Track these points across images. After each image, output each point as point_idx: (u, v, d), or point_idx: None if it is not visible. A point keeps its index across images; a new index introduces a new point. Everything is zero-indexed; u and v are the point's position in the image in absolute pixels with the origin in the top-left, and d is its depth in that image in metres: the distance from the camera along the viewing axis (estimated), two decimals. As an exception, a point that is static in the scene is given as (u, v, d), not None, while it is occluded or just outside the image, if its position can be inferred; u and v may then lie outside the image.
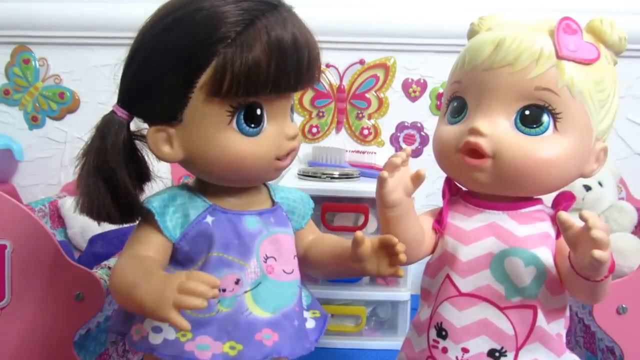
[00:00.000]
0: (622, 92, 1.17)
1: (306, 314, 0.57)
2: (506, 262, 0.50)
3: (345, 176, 0.92)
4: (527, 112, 0.48)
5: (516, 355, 0.50)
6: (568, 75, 0.46)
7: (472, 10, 1.05)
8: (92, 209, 0.50)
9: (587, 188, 0.96)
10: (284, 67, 0.47)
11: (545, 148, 0.47)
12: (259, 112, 0.49)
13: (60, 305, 0.62)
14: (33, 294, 0.61)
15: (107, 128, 0.50)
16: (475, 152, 0.49)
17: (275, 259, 0.54)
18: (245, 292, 0.51)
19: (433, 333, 0.53)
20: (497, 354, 0.50)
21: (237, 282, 0.51)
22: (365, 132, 1.12)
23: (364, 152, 1.07)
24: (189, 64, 0.46)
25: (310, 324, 0.57)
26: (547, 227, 0.52)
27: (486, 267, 0.51)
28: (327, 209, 0.87)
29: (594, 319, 0.64)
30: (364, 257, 0.51)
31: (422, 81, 1.11)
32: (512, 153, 0.48)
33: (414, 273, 0.90)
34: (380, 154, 1.09)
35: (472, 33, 0.55)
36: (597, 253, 0.41)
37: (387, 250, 0.51)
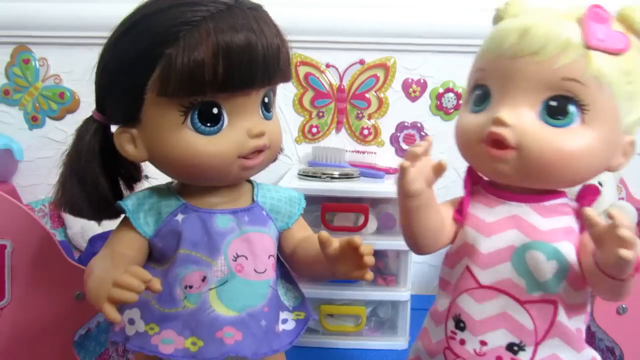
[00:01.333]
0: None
1: (287, 315, 0.57)
2: (527, 255, 0.49)
3: (345, 176, 0.92)
4: (552, 103, 0.46)
5: (535, 350, 0.49)
6: (596, 66, 0.45)
7: (472, 10, 1.05)
8: (65, 203, 0.53)
9: (587, 188, 0.96)
10: (232, 67, 0.47)
11: (572, 140, 0.46)
12: (215, 110, 0.49)
13: (60, 305, 0.62)
14: (33, 294, 0.61)
15: (84, 130, 0.53)
16: (499, 143, 0.47)
17: (247, 258, 0.54)
18: (210, 289, 0.52)
19: (451, 324, 0.53)
20: (515, 348, 0.50)
21: (203, 279, 0.52)
22: (365, 132, 1.12)
23: (364, 152, 1.07)
24: (138, 66, 0.48)
25: (289, 325, 0.57)
26: (571, 221, 0.51)
27: (507, 259, 0.50)
28: (327, 209, 0.87)
29: (594, 319, 0.64)
30: (332, 258, 0.51)
31: (422, 81, 1.10)
32: (537, 145, 0.46)
33: (414, 273, 0.91)
34: (380, 154, 1.09)
35: (497, 19, 0.53)
36: (623, 252, 0.40)
37: (353, 252, 0.50)
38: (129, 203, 0.54)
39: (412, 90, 1.11)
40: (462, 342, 0.52)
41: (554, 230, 0.50)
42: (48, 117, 1.13)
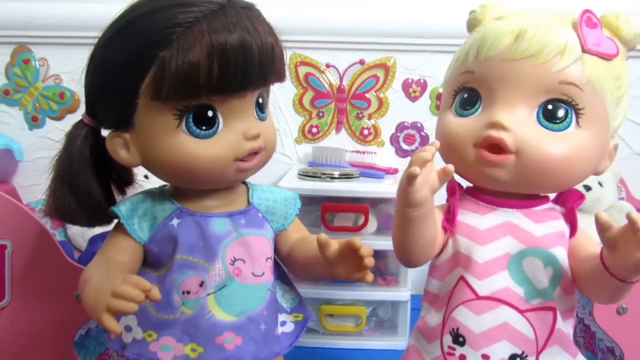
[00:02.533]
0: (622, 92, 1.16)
1: (286, 317, 0.57)
2: (525, 262, 0.49)
3: (345, 176, 0.92)
4: (550, 107, 0.46)
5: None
6: (592, 70, 0.45)
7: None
8: (57, 211, 0.52)
9: (587, 188, 0.96)
10: (227, 69, 0.46)
11: (569, 145, 0.46)
12: (210, 113, 0.48)
13: (60, 305, 0.62)
14: (33, 294, 0.61)
15: (74, 135, 0.52)
16: (497, 148, 0.47)
17: (244, 261, 0.53)
18: (208, 294, 0.51)
19: (448, 339, 0.50)
20: (518, 359, 0.48)
21: (201, 284, 0.51)
22: (365, 132, 1.12)
23: (364, 152, 1.07)
24: (130, 70, 0.47)
25: (288, 327, 0.56)
26: (562, 226, 0.50)
27: (504, 268, 0.49)
28: (327, 209, 0.87)
29: (594, 319, 0.64)
30: (331, 260, 0.50)
31: (422, 81, 1.10)
32: (535, 150, 0.46)
33: (414, 273, 0.90)
34: (380, 154, 1.09)
35: (475, 21, 0.53)
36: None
37: (353, 253, 0.49)
38: (122, 209, 0.53)
39: (412, 90, 1.11)
40: (462, 357, 0.49)
41: (548, 235, 0.49)
42: (48, 117, 1.13)
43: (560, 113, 0.46)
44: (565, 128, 0.46)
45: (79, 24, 1.05)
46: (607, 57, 0.46)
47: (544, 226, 0.50)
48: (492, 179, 0.49)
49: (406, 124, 1.12)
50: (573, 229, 0.50)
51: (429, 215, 0.48)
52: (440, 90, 1.10)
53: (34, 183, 1.13)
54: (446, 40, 1.06)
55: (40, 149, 1.13)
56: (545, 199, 0.52)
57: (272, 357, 0.53)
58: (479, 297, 0.49)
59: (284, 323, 0.56)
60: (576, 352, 0.50)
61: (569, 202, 0.51)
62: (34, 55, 1.11)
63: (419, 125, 1.12)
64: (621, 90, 0.47)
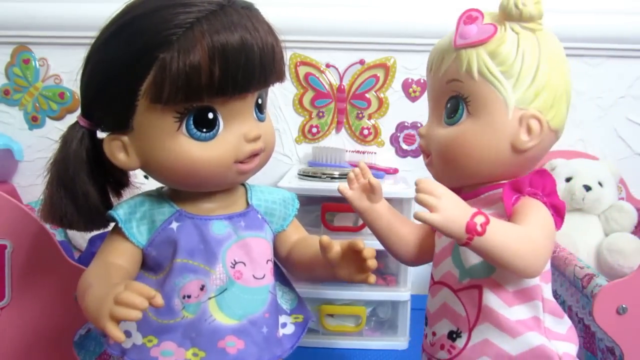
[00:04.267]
0: (622, 92, 1.18)
1: (286, 319, 0.56)
2: (459, 246, 0.51)
3: (345, 176, 0.92)
4: (448, 105, 0.53)
5: (469, 336, 0.52)
6: (465, 61, 0.50)
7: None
8: (54, 216, 0.51)
9: (587, 188, 0.96)
10: (229, 70, 0.45)
11: (460, 133, 0.51)
12: (211, 116, 0.48)
13: (60, 305, 0.62)
14: (33, 294, 0.61)
15: (70, 137, 0.51)
16: (424, 152, 0.57)
17: (245, 264, 0.52)
18: (209, 298, 0.51)
19: (424, 323, 0.59)
20: (454, 335, 0.53)
21: (202, 288, 0.51)
22: (365, 132, 1.12)
23: (364, 152, 1.07)
24: (130, 72, 0.46)
25: (288, 329, 0.56)
26: (499, 208, 0.51)
27: (449, 254, 0.54)
28: (327, 209, 0.87)
29: (594, 319, 0.63)
30: (333, 262, 0.50)
31: (422, 81, 1.10)
32: (437, 145, 0.54)
33: (414, 273, 0.91)
34: (380, 154, 1.09)
35: None
36: (416, 212, 0.45)
37: (355, 255, 0.49)
38: (120, 212, 0.52)
39: (412, 90, 1.11)
40: (425, 336, 0.58)
41: None
42: (48, 117, 1.13)
43: (454, 108, 0.52)
44: (459, 119, 0.52)
45: (79, 24, 1.05)
46: (477, 43, 0.50)
47: (485, 211, 0.50)
48: (432, 177, 0.56)
49: (406, 124, 1.12)
50: (509, 209, 0.50)
51: (382, 219, 0.58)
52: (440, 90, 1.11)
53: (34, 183, 1.13)
54: (446, 40, 1.06)
55: (40, 149, 1.13)
56: (493, 186, 0.53)
57: (274, 359, 0.53)
58: (434, 283, 0.57)
59: (284, 325, 0.56)
60: (518, 333, 0.50)
61: (522, 185, 0.51)
62: (34, 55, 1.11)
63: (419, 125, 1.12)
64: (507, 65, 0.49)
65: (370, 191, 0.57)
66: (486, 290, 0.51)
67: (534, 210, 0.49)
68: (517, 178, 0.51)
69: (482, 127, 0.51)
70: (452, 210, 0.45)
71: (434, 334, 0.56)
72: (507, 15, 0.50)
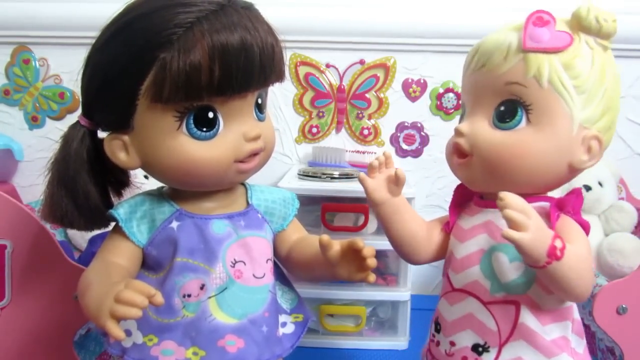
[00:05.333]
0: (622, 92, 1.17)
1: (286, 318, 0.56)
2: (493, 257, 0.51)
3: (345, 176, 0.92)
4: (502, 108, 0.50)
5: (499, 352, 0.50)
6: (534, 66, 0.47)
7: (472, 10, 1.05)
8: (55, 216, 0.51)
9: (587, 188, 0.96)
10: (229, 70, 0.46)
11: (519, 141, 0.48)
12: (211, 115, 0.48)
13: (60, 305, 0.62)
14: (33, 294, 0.62)
15: (70, 137, 0.51)
16: (459, 152, 0.52)
17: (245, 263, 0.53)
18: (209, 297, 0.51)
19: (432, 327, 0.56)
20: (480, 349, 0.51)
21: (202, 287, 0.51)
22: (365, 132, 1.12)
23: (364, 152, 1.07)
24: (130, 72, 0.46)
25: (288, 328, 0.56)
26: None
27: (477, 263, 0.52)
28: (327, 209, 0.87)
29: (594, 319, 0.64)
30: (333, 261, 0.50)
31: (422, 81, 1.10)
32: (485, 148, 0.50)
33: (414, 273, 0.91)
34: (380, 154, 1.09)
35: None
36: (505, 231, 0.42)
37: (355, 254, 0.49)
38: (120, 212, 0.52)
39: (412, 90, 1.11)
40: (437, 343, 0.55)
41: None
42: (48, 117, 1.13)
43: (510, 112, 0.49)
44: (516, 126, 0.49)
45: (79, 24, 1.05)
46: (552, 50, 0.47)
47: None
48: (465, 179, 0.54)
49: (406, 124, 1.12)
50: (551, 227, 0.49)
51: (399, 213, 0.56)
52: (441, 91, 1.10)
53: (34, 183, 1.13)
54: (446, 40, 1.06)
55: (40, 149, 1.13)
56: (533, 198, 0.51)
57: (274, 359, 0.53)
58: (454, 289, 0.53)
59: (284, 324, 0.56)
60: (552, 354, 0.49)
61: (566, 204, 0.50)
62: (34, 55, 1.11)
63: (419, 125, 1.12)
64: (580, 79, 0.47)
65: (395, 182, 0.55)
66: (524, 307, 0.49)
67: (578, 230, 0.49)
68: (561, 197, 0.50)
69: (544, 139, 0.48)
70: (540, 231, 0.43)
71: (452, 343, 0.53)
72: (584, 28, 0.48)
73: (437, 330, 0.55)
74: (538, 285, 0.49)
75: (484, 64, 0.50)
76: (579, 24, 0.48)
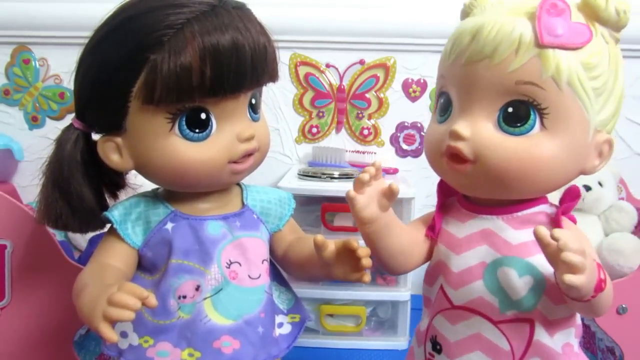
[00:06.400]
0: (622, 92, 1.16)
1: (282, 319, 0.56)
2: (499, 272, 0.46)
3: (345, 176, 0.92)
4: (510, 110, 0.43)
5: None
6: (553, 65, 0.40)
7: (472, 10, 1.05)
8: (50, 218, 0.51)
9: (587, 188, 0.96)
10: (220, 71, 0.45)
11: (533, 149, 0.42)
12: (203, 116, 0.48)
13: (60, 305, 0.62)
14: (33, 294, 0.62)
15: (64, 139, 0.51)
16: (457, 157, 0.44)
17: (240, 264, 0.52)
18: (205, 298, 0.51)
19: (429, 346, 0.50)
20: None
21: (197, 288, 0.51)
22: (365, 132, 1.12)
23: (364, 152, 1.07)
24: (121, 73, 0.46)
25: (285, 329, 0.56)
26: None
27: (479, 277, 0.47)
28: (327, 209, 0.87)
29: (594, 319, 0.63)
30: (328, 261, 0.50)
31: (422, 81, 1.10)
32: (495, 157, 0.43)
33: (414, 273, 0.90)
34: (380, 154, 1.09)
35: (463, 15, 0.49)
36: (567, 278, 0.37)
37: (350, 254, 0.49)
38: (115, 213, 0.52)
39: (412, 90, 1.11)
40: None
41: (526, 243, 0.46)
42: (48, 117, 1.13)
43: (521, 115, 0.42)
44: (528, 131, 0.42)
45: (79, 24, 1.05)
46: (571, 47, 0.41)
47: (523, 233, 0.46)
48: (461, 186, 0.48)
49: (406, 124, 1.12)
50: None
51: (388, 229, 0.48)
52: (440, 90, 1.10)
53: (34, 183, 1.13)
54: (446, 41, 1.06)
55: (40, 149, 1.13)
56: (534, 202, 0.47)
57: (270, 359, 0.53)
58: (453, 307, 0.48)
59: (281, 325, 0.56)
60: None
61: (564, 201, 0.47)
62: (34, 55, 1.11)
63: (419, 125, 1.12)
64: (600, 80, 0.42)
65: (388, 197, 0.47)
66: (537, 324, 0.45)
67: (585, 237, 0.45)
68: (566, 204, 0.47)
69: (560, 147, 0.42)
70: (591, 269, 0.38)
71: None
72: (602, 19, 0.42)
73: (437, 351, 0.49)
74: (547, 297, 0.45)
75: (488, 55, 0.42)
76: (595, 15, 0.42)
